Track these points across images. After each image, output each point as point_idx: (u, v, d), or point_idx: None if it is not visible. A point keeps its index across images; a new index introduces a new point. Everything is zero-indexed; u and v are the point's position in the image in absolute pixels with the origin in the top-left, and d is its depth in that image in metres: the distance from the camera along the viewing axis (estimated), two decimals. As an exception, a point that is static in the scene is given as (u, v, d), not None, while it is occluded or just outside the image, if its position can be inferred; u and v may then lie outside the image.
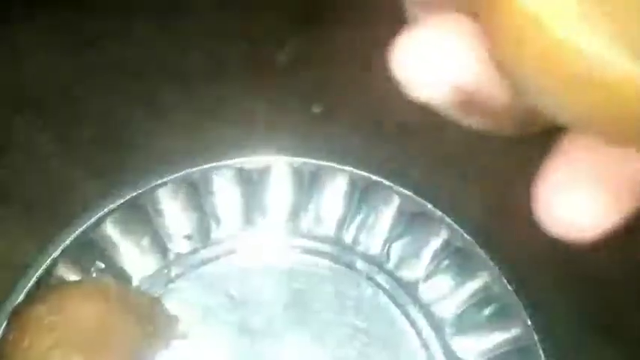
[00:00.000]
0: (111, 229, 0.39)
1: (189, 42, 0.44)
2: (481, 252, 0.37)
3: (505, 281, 0.36)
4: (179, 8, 0.45)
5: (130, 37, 0.44)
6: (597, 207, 0.15)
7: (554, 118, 0.15)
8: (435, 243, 0.39)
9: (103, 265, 0.39)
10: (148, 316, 0.36)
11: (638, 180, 0.15)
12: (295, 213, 0.40)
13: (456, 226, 0.37)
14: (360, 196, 0.39)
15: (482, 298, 0.37)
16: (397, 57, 0.15)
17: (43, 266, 0.37)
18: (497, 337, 0.37)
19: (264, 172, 0.40)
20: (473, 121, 0.17)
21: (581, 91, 0.14)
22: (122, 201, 0.38)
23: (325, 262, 0.39)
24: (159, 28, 0.44)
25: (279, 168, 0.40)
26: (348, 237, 0.40)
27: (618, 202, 0.15)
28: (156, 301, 0.38)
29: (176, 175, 0.39)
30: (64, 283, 0.37)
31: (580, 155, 0.15)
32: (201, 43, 0.44)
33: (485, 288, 0.37)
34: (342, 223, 0.40)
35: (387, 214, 0.39)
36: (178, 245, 0.40)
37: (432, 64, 0.15)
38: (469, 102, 0.15)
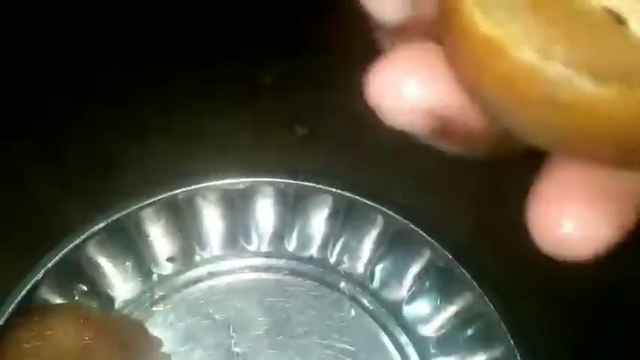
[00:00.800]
0: (94, 252, 0.39)
1: (174, 65, 0.44)
2: (464, 272, 0.37)
3: (488, 301, 0.36)
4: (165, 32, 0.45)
5: (115, 61, 0.45)
6: (595, 223, 0.14)
7: (526, 141, 0.15)
8: (419, 263, 0.39)
9: (85, 288, 0.39)
10: (129, 340, 0.36)
11: (636, 193, 0.15)
12: (279, 234, 0.40)
13: (438, 247, 0.38)
14: (344, 217, 0.40)
15: (465, 318, 0.38)
16: (372, 85, 0.15)
17: (25, 289, 0.36)
18: (480, 357, 0.37)
19: (247, 193, 0.40)
20: (449, 146, 0.17)
21: (544, 113, 0.14)
22: (105, 223, 0.38)
23: (309, 284, 0.39)
24: (144, 51, 0.45)
25: (263, 190, 0.40)
26: (331, 258, 0.40)
27: (616, 217, 0.15)
28: (138, 324, 0.38)
29: (159, 197, 0.39)
30: (46, 306, 0.37)
31: (574, 171, 0.15)
32: (186, 67, 0.44)
33: (468, 308, 0.37)
34: (325, 244, 0.40)
35: (370, 235, 0.40)
36: (161, 268, 0.40)
37: (406, 91, 0.15)
38: (444, 127, 0.16)
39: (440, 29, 0.15)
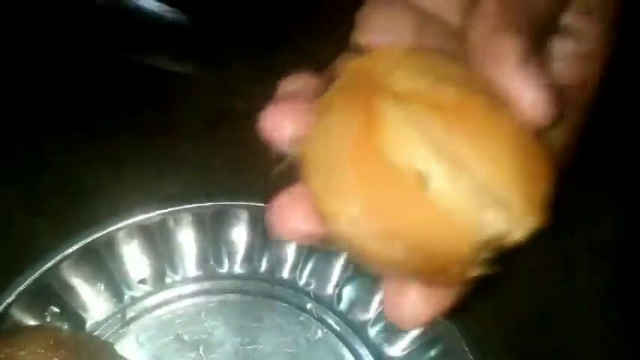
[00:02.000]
0: (66, 274, 0.39)
1: (146, 94, 0.45)
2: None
3: (450, 323, 0.37)
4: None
5: (90, 92, 0.46)
6: (423, 308, 0.22)
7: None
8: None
9: (57, 310, 0.39)
10: (99, 361, 0.36)
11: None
12: (250, 256, 0.41)
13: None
14: (314, 240, 0.40)
15: (429, 339, 0.38)
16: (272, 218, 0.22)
17: (-2, 311, 0.37)
18: (443, 377, 0.38)
19: (220, 217, 0.41)
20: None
21: (359, 257, 0.21)
22: (78, 246, 0.39)
23: (278, 305, 0.40)
24: (118, 79, 0.46)
25: (235, 213, 0.41)
26: (301, 280, 0.41)
27: (438, 302, 0.23)
28: (109, 345, 0.38)
29: (132, 220, 0.39)
30: (17, 328, 0.37)
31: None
32: (158, 96, 0.46)
33: (432, 329, 0.38)
34: (295, 267, 0.41)
35: (339, 258, 0.41)
36: (133, 289, 0.40)
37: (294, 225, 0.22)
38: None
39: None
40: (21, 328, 0.38)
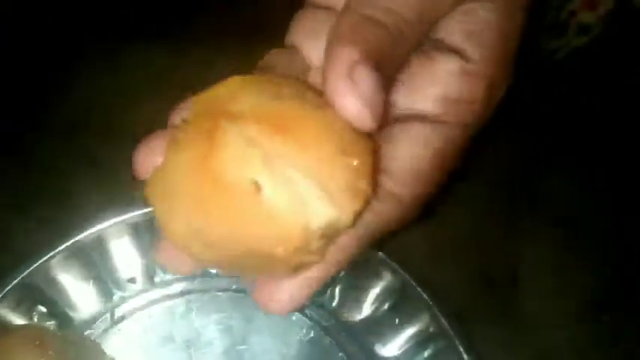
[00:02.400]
0: (54, 273, 0.39)
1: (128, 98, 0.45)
2: (422, 294, 0.38)
3: (444, 322, 0.37)
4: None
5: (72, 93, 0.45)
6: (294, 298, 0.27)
7: None
8: (378, 285, 0.39)
9: (44, 309, 0.38)
10: (87, 361, 0.36)
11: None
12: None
13: (397, 268, 0.38)
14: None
15: (423, 339, 0.38)
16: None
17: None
18: (436, 378, 0.38)
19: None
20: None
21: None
22: (66, 244, 0.38)
23: (270, 304, 0.39)
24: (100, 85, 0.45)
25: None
26: (293, 279, 0.40)
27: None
28: (97, 345, 0.38)
29: (121, 218, 0.39)
30: (3, 327, 0.37)
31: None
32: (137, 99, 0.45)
33: (426, 329, 0.38)
34: (287, 265, 0.40)
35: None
36: (122, 288, 0.40)
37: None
38: None
39: None
40: (7, 328, 0.37)
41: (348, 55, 0.23)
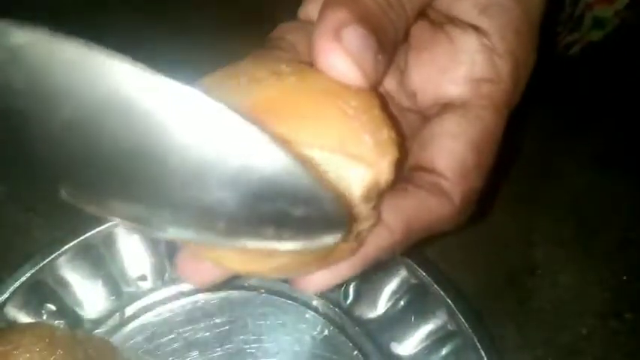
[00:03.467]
0: (63, 270, 0.38)
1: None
2: (438, 290, 0.37)
3: (462, 320, 0.36)
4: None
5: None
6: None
7: None
8: (393, 282, 0.38)
9: (54, 307, 0.38)
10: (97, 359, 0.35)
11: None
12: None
13: (413, 265, 0.37)
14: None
15: (439, 337, 0.37)
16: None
17: (-8, 309, 0.36)
18: (454, 376, 0.37)
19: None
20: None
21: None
22: (75, 242, 0.38)
23: (283, 302, 0.39)
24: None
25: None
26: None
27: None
28: (106, 344, 0.37)
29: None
30: (12, 325, 0.36)
31: None
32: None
33: (443, 326, 0.37)
34: (299, 263, 0.40)
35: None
36: (132, 286, 0.39)
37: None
38: None
39: None
40: (16, 326, 0.36)
41: (335, 15, 0.23)
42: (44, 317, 0.38)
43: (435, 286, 0.37)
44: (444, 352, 0.37)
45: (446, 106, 0.26)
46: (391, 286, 0.38)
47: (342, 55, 0.22)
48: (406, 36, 0.26)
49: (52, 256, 0.37)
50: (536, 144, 0.44)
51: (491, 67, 0.26)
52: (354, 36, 0.23)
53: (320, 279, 0.25)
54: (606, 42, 0.48)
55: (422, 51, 0.27)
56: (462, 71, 0.26)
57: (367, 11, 0.24)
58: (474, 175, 0.26)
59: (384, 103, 0.25)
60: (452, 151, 0.26)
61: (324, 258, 0.24)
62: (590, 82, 0.47)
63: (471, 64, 0.26)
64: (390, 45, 0.25)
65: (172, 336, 0.38)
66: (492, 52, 0.26)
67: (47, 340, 0.34)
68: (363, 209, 0.23)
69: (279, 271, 0.24)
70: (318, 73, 0.23)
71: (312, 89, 0.23)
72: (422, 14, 0.27)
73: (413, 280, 0.37)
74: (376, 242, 0.25)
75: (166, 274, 0.39)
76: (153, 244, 0.39)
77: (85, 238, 0.38)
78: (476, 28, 0.26)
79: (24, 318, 0.37)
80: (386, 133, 0.23)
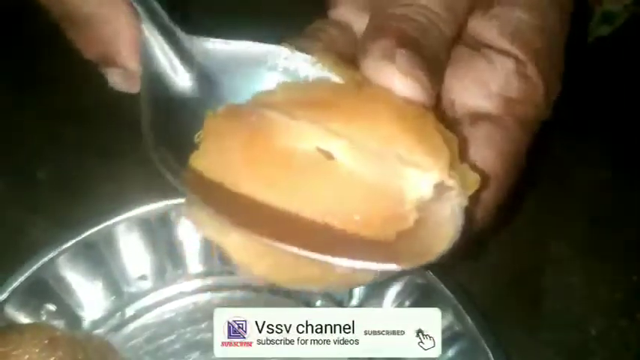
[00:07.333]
0: (63, 270, 0.37)
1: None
2: (445, 290, 0.36)
3: (469, 320, 0.35)
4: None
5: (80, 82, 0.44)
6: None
7: None
8: (399, 282, 0.38)
9: (53, 307, 0.37)
10: (96, 360, 0.35)
11: None
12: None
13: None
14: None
15: (446, 338, 0.36)
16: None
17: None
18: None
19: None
20: None
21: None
22: (74, 241, 0.37)
23: (285, 302, 0.38)
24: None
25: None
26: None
27: None
28: (106, 345, 0.36)
29: (131, 213, 0.38)
30: (11, 325, 0.36)
31: None
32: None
33: (450, 327, 0.36)
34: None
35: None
36: (133, 286, 0.38)
37: None
38: None
39: None
40: (15, 327, 0.36)
41: (381, 43, 0.24)
42: (44, 317, 0.37)
43: (442, 286, 0.36)
44: (450, 353, 0.36)
45: (479, 117, 0.28)
46: (397, 286, 0.38)
47: (397, 73, 0.24)
48: (449, 56, 0.28)
49: (52, 256, 0.37)
50: (546, 142, 0.44)
51: (526, 91, 0.28)
52: (403, 56, 0.24)
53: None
54: (615, 37, 0.47)
55: (460, 66, 0.28)
56: (497, 89, 0.28)
57: (409, 36, 0.25)
58: (498, 183, 0.27)
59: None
60: (482, 157, 0.27)
61: (346, 279, 0.23)
62: (601, 78, 0.46)
63: (506, 84, 0.28)
64: (437, 63, 0.26)
65: (173, 336, 0.37)
66: (527, 78, 0.28)
67: (47, 341, 0.34)
68: (412, 210, 0.22)
69: (297, 282, 0.24)
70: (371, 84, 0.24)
71: (366, 93, 0.24)
72: (458, 38, 0.28)
73: (419, 280, 0.37)
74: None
75: (167, 274, 0.39)
76: (153, 243, 0.38)
77: (85, 238, 0.37)
78: (510, 54, 0.28)
79: (23, 318, 0.37)
80: (441, 137, 0.23)
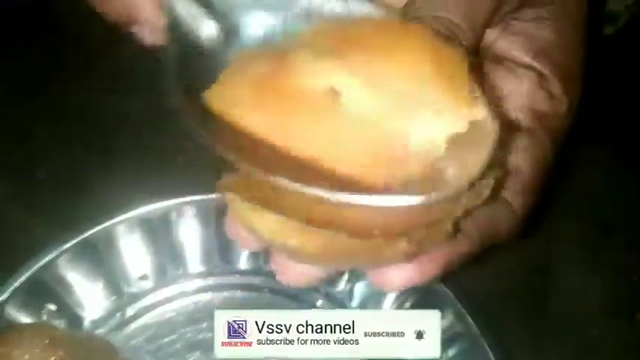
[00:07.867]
0: (63, 270, 0.37)
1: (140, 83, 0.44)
2: (446, 290, 0.36)
3: (470, 320, 0.35)
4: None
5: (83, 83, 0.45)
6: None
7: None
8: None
9: (53, 307, 0.37)
10: (97, 360, 0.35)
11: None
12: (256, 253, 0.39)
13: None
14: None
15: (447, 338, 0.36)
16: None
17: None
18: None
19: (225, 209, 0.38)
20: None
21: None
22: (75, 241, 0.37)
23: (287, 302, 0.38)
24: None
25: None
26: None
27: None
28: (107, 345, 0.36)
29: (132, 213, 0.38)
30: (11, 325, 0.36)
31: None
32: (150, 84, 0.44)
33: (450, 327, 0.36)
34: (304, 262, 0.39)
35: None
36: (133, 286, 0.38)
37: None
38: None
39: None
40: (16, 327, 0.36)
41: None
42: (44, 317, 0.37)
43: (442, 285, 0.36)
44: (450, 353, 0.36)
45: (510, 125, 0.28)
46: (397, 286, 0.38)
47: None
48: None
49: (52, 256, 0.37)
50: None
51: (552, 105, 0.28)
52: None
53: (401, 275, 0.25)
54: (618, 36, 0.47)
55: (484, 79, 0.28)
56: (525, 102, 0.28)
57: None
58: (532, 190, 0.28)
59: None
60: (516, 165, 0.27)
61: (375, 252, 0.23)
62: (602, 77, 0.46)
63: (533, 98, 0.28)
64: None
65: (174, 336, 0.37)
66: (551, 92, 0.28)
67: (47, 341, 0.34)
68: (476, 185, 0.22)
69: (328, 255, 0.23)
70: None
71: (403, 30, 0.23)
72: (479, 53, 0.29)
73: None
74: (455, 248, 0.26)
75: (167, 274, 0.39)
76: (154, 243, 0.38)
77: (86, 238, 0.37)
78: (534, 69, 0.28)
79: (24, 318, 0.37)
80: (463, 83, 0.22)
